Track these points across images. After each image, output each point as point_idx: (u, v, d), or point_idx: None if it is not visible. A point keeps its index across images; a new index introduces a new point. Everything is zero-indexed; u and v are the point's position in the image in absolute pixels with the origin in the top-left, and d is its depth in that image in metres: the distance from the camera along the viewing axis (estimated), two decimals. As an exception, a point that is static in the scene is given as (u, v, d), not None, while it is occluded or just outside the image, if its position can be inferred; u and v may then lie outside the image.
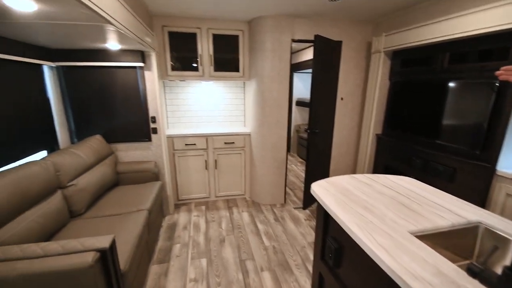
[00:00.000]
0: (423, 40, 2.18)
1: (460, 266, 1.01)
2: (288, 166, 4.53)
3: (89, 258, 1.01)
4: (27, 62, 1.90)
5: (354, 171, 3.31)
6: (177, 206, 2.99)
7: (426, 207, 1.12)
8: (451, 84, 2.06)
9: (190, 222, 2.64)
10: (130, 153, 2.61)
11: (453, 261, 0.99)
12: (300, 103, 5.32)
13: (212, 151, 2.98)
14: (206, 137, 2.93)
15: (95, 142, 2.26)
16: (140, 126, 2.55)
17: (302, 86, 5.45)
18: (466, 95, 1.96)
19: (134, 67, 2.39)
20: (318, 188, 1.30)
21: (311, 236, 2.40)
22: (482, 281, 0.61)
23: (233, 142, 3.01)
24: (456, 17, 1.86)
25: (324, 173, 3.11)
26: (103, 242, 1.08)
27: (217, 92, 3.27)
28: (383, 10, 2.50)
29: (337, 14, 2.62)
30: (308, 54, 4.35)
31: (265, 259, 2.08)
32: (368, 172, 2.98)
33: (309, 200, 2.92)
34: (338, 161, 3.28)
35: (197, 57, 2.82)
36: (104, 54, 2.27)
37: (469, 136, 1.91)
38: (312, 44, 2.85)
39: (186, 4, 2.32)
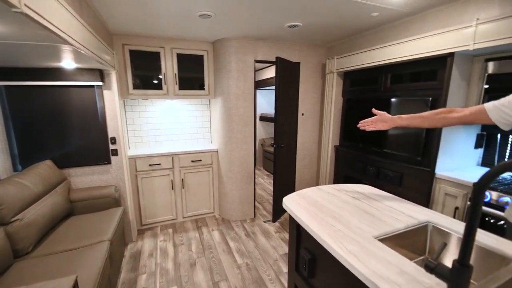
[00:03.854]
0: (366, 63, 2.47)
1: (416, 262, 1.13)
2: (256, 180, 4.57)
3: (47, 304, 0.89)
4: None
5: (317, 182, 3.48)
6: (141, 232, 2.77)
7: (384, 211, 1.24)
8: (393, 100, 2.35)
9: (156, 248, 2.46)
10: (86, 178, 2.37)
11: (410, 258, 1.11)
12: (263, 118, 5.48)
13: (179, 170, 2.88)
14: (172, 156, 2.82)
15: (44, 169, 2.02)
16: (97, 148, 2.36)
17: (265, 102, 5.65)
18: (406, 110, 2.24)
19: (92, 86, 2.24)
20: (290, 202, 1.35)
21: (282, 248, 2.43)
22: (437, 275, 0.70)
23: (200, 160, 2.96)
24: (393, 44, 2.17)
25: (290, 185, 3.22)
26: (64, 285, 0.95)
27: (182, 110, 3.22)
28: (333, 37, 2.79)
29: (295, 38, 2.84)
30: (268, 73, 4.57)
31: (239, 278, 2.03)
32: (329, 182, 3.17)
33: (278, 212, 2.98)
34: (303, 173, 3.43)
35: (161, 76, 2.77)
36: (57, 73, 2.09)
37: (411, 145, 2.19)
38: (272, 64, 3.02)
39: (147, 25, 2.29)
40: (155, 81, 2.78)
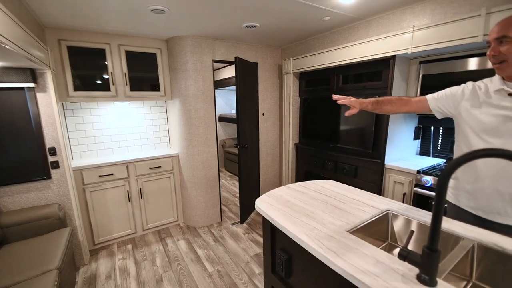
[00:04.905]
0: (319, 65, 2.59)
1: (382, 248, 1.22)
2: (218, 182, 4.47)
3: None
4: None
5: (280, 179, 3.55)
6: (94, 252, 2.44)
7: (350, 204, 1.30)
8: (346, 99, 2.52)
9: (115, 268, 2.20)
10: (20, 197, 1.97)
11: (377, 245, 1.19)
12: (222, 119, 5.38)
13: (135, 179, 2.62)
14: (127, 164, 2.55)
15: (-41, 192, 1.61)
16: (32, 162, 1.99)
17: (223, 102, 5.55)
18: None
19: (21, 89, 1.86)
20: (263, 204, 1.33)
21: (252, 249, 2.41)
22: (410, 262, 0.75)
23: (159, 166, 2.74)
24: (343, 47, 2.31)
25: (255, 185, 3.21)
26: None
27: (135, 113, 2.93)
28: (288, 39, 2.86)
29: (252, 39, 2.83)
30: (225, 73, 4.49)
31: (211, 287, 1.94)
32: (292, 178, 3.26)
33: (245, 213, 2.94)
34: (266, 172, 3.46)
35: (107, 76, 2.47)
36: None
37: (362, 139, 2.37)
38: (230, 64, 2.97)
39: (88, 18, 2.01)
40: (101, 82, 2.47)
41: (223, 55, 2.89)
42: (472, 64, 1.75)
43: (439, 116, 1.27)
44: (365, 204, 1.29)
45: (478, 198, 1.13)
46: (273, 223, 1.20)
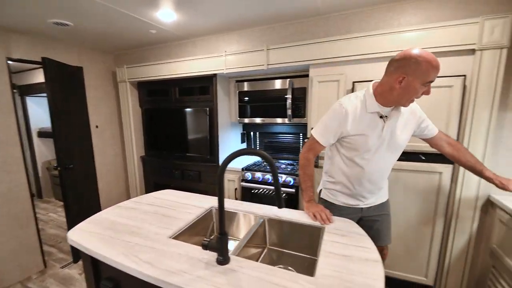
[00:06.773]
0: (154, 76, 2.53)
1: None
2: (43, 217, 3.34)
3: None
4: None
5: (128, 196, 3.16)
6: None
7: (179, 209, 1.36)
8: (186, 110, 2.61)
9: None
10: None
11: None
12: (44, 134, 4.06)
13: None
14: None
15: None
16: None
17: (43, 112, 4.19)
18: (195, 118, 2.58)
19: None
20: (77, 234, 1.12)
21: None
22: (210, 249, 0.88)
23: None
24: (174, 62, 2.37)
25: (93, 210, 2.63)
26: None
27: None
28: (119, 46, 2.60)
29: (70, 39, 2.32)
30: (42, 76, 3.43)
31: None
32: (141, 193, 2.98)
33: (80, 247, 2.36)
34: (109, 191, 2.96)
35: None
36: None
37: (202, 146, 2.54)
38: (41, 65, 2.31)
39: None
40: None
41: (26, 54, 2.19)
42: (278, 84, 2.24)
43: (327, 145, 1.32)
44: (193, 206, 1.40)
45: (354, 196, 1.33)
46: (88, 253, 1.04)
